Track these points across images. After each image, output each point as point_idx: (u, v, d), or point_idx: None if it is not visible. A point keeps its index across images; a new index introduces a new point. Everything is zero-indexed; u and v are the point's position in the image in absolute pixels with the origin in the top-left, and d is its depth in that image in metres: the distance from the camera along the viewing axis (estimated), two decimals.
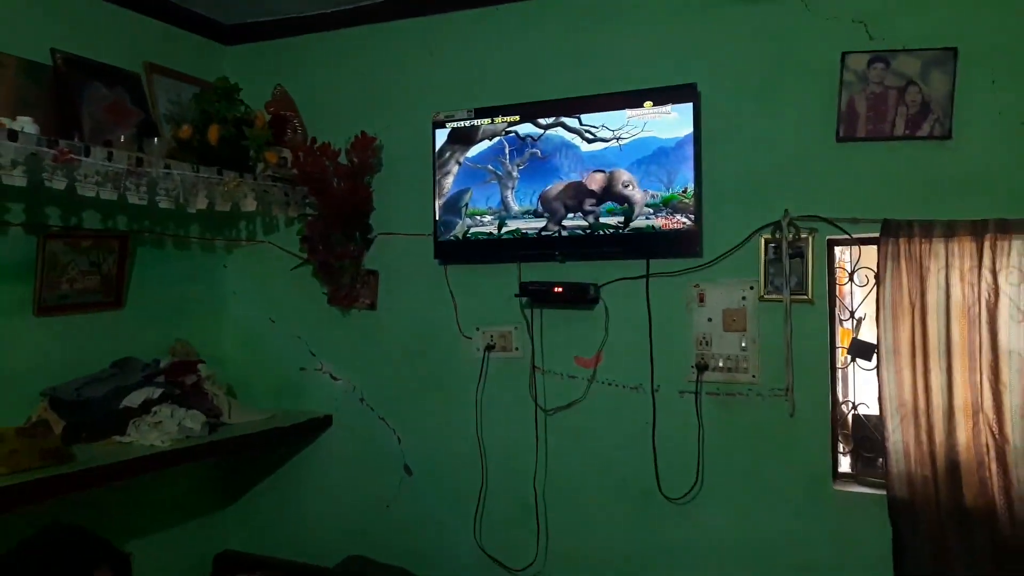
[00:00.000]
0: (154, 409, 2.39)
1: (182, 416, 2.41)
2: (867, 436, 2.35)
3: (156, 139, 2.47)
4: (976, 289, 2.08)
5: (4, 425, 2.08)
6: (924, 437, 2.13)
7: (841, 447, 2.40)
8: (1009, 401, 2.06)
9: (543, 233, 2.51)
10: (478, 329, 2.71)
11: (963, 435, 2.10)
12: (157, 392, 2.43)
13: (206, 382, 2.66)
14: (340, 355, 2.94)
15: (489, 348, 2.69)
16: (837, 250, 2.37)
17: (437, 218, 2.66)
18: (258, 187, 2.72)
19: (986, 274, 2.07)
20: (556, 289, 2.49)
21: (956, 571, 2.06)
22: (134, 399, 2.36)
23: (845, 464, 2.39)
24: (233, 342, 3.09)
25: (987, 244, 2.06)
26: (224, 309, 3.09)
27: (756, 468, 2.34)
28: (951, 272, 2.11)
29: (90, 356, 2.48)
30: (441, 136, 2.66)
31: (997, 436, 2.06)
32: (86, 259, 2.43)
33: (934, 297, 2.13)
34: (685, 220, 2.35)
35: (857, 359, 2.38)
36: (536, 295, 2.54)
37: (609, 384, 2.53)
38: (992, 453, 2.06)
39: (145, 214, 2.64)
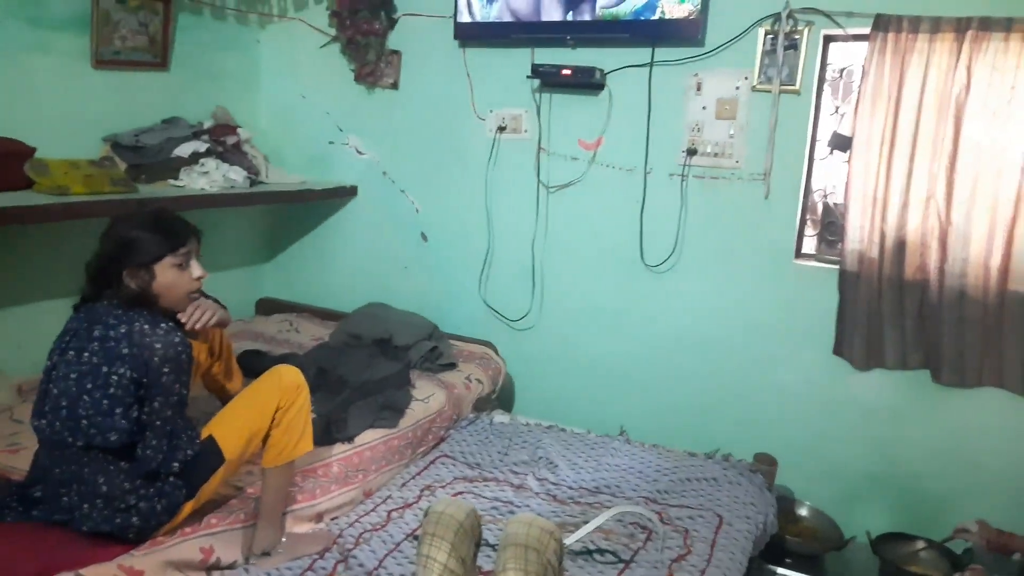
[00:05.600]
0: (201, 161, 2.70)
1: (226, 169, 2.73)
2: (833, 222, 2.61)
3: None
4: (950, 85, 2.24)
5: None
6: (879, 221, 2.38)
7: (809, 230, 2.68)
8: (959, 189, 2.29)
9: (556, 19, 2.65)
10: (491, 111, 2.93)
11: (915, 220, 2.36)
12: (204, 147, 2.72)
13: (245, 144, 2.94)
14: (365, 131, 3.19)
15: (501, 129, 2.92)
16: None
17: None
18: None
19: (961, 70, 2.21)
20: (564, 71, 2.66)
21: (884, 327, 2.41)
22: (184, 150, 2.66)
23: (810, 246, 2.68)
24: (267, 115, 3.33)
25: (967, 41, 2.19)
26: (258, 83, 3.31)
27: (728, 243, 2.62)
28: (930, 68, 2.25)
29: (142, 112, 2.75)
30: None
31: (943, 220, 2.31)
32: (135, 19, 2.63)
33: (911, 90, 2.29)
34: (692, 7, 2.48)
35: (835, 151, 2.61)
36: (546, 76, 2.72)
37: (607, 166, 2.78)
38: (936, 234, 2.32)
39: None
